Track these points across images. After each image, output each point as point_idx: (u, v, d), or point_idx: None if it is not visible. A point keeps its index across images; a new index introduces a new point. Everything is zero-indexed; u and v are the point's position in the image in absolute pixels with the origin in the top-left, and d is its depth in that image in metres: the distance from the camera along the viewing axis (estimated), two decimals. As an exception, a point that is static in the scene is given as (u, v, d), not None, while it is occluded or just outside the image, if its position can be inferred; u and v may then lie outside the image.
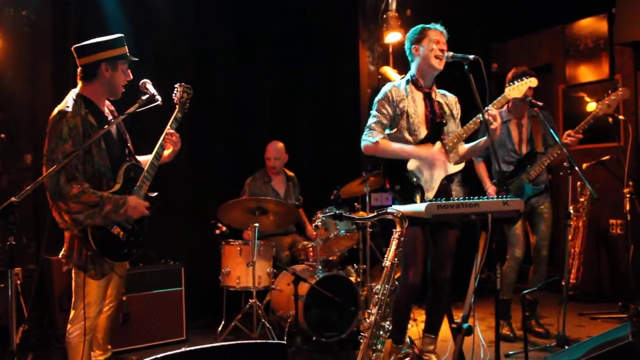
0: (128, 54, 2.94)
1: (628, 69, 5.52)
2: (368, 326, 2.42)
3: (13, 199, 2.31)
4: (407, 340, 3.35)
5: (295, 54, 5.61)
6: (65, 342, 2.88)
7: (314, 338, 4.10)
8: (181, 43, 5.03)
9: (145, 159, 3.07)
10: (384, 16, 5.77)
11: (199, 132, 4.94)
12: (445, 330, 3.13)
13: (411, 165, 3.27)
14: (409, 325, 3.53)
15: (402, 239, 2.46)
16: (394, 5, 5.73)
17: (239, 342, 2.27)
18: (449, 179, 3.35)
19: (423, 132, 3.34)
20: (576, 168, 3.91)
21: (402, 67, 4.21)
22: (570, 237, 5.23)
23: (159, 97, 3.02)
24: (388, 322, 2.44)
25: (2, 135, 4.24)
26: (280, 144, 4.99)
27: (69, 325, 2.84)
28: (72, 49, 2.91)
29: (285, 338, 4.07)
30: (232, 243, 4.29)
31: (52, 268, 4.03)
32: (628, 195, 4.82)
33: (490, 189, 4.31)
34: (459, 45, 3.39)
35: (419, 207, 2.60)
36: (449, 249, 3.38)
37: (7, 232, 2.30)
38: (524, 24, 6.30)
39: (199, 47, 5.14)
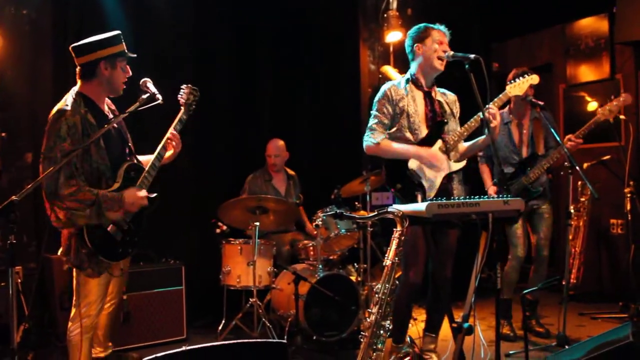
0: (126, 50, 2.93)
1: (629, 68, 5.51)
2: (368, 325, 2.42)
3: (14, 197, 2.31)
4: (408, 339, 3.34)
5: (295, 54, 5.60)
6: (65, 340, 2.89)
7: (314, 337, 4.10)
8: (181, 43, 5.02)
9: (146, 159, 3.06)
10: (385, 15, 5.76)
11: (199, 132, 4.94)
12: (445, 329, 3.13)
13: (412, 164, 3.27)
14: (410, 325, 3.52)
15: (403, 238, 2.46)
16: (394, 5, 5.73)
17: (239, 341, 2.28)
18: (449, 178, 3.35)
19: (424, 131, 3.34)
20: (577, 168, 3.91)
21: (403, 66, 4.20)
22: (570, 237, 5.25)
23: (159, 96, 3.00)
24: (388, 322, 2.44)
25: (3, 134, 4.24)
26: (281, 142, 4.99)
27: (70, 323, 2.85)
28: (70, 48, 2.90)
29: (285, 337, 4.06)
30: (232, 242, 4.29)
31: (53, 266, 4.04)
32: (629, 195, 4.82)
33: (491, 189, 4.31)
34: (459, 45, 3.38)
35: (419, 206, 2.60)
36: (450, 249, 3.38)
37: (7, 231, 2.30)
38: (524, 24, 6.29)
39: (199, 47, 5.13)
